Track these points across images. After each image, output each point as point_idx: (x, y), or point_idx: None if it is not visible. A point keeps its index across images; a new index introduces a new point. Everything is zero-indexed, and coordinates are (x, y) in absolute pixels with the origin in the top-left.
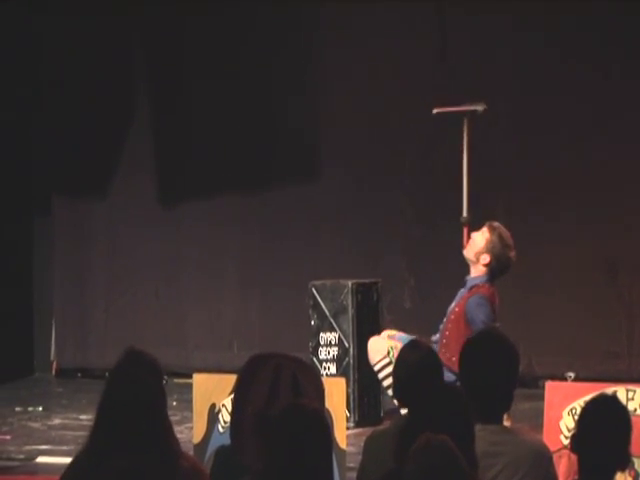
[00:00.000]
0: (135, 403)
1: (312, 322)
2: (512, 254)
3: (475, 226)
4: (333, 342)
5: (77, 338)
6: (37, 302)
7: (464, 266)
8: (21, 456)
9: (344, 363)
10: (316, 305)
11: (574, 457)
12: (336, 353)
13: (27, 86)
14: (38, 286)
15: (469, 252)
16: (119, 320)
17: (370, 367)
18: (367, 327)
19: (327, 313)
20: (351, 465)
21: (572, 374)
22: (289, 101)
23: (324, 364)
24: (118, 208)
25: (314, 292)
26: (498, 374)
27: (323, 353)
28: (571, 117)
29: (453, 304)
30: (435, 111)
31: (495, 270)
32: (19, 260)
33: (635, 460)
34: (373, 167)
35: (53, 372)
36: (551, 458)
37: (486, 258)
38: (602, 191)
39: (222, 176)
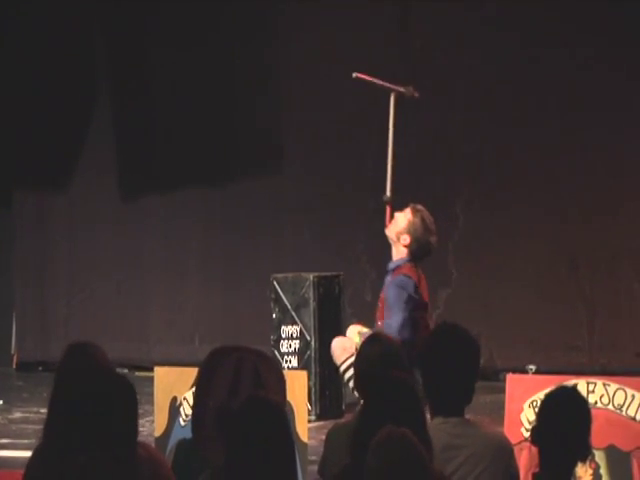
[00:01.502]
0: (80, 399)
1: (274, 315)
2: (433, 239)
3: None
4: (295, 335)
5: (38, 332)
6: None
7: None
8: None
9: (305, 356)
10: (278, 298)
11: (535, 449)
12: (298, 346)
13: None
14: None
15: (391, 231)
16: (80, 314)
17: (332, 360)
18: (329, 320)
19: (289, 306)
20: (313, 458)
21: (533, 367)
22: (251, 95)
23: (286, 357)
24: (79, 202)
25: (276, 285)
26: (459, 367)
27: (285, 346)
28: (534, 108)
29: (381, 292)
30: (354, 75)
31: (415, 252)
32: None
33: (595, 452)
34: (334, 160)
35: (14, 365)
36: (512, 451)
37: (407, 239)
38: (564, 185)
39: (183, 171)
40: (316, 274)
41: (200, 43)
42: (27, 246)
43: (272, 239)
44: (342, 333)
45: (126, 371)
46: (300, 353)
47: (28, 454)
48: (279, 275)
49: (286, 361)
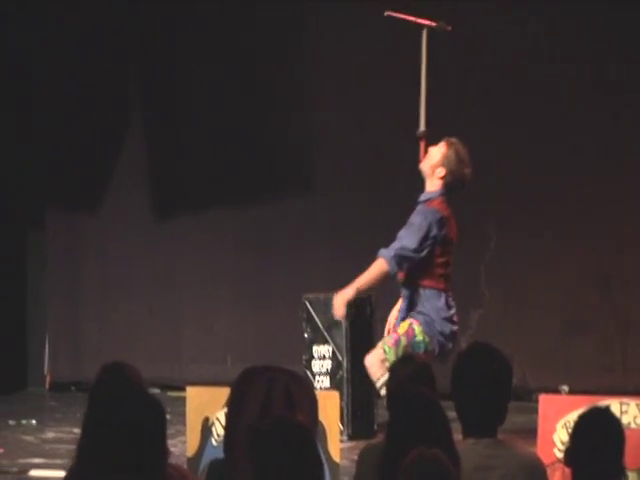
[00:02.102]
0: (113, 419)
1: (305, 335)
2: (467, 171)
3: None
4: (326, 355)
5: (71, 352)
6: (31, 316)
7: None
8: (14, 469)
9: (337, 376)
10: (310, 318)
11: (568, 470)
12: (329, 366)
13: (23, 100)
14: (32, 300)
15: (425, 165)
16: (113, 334)
17: (363, 381)
18: (360, 340)
19: (320, 326)
20: (345, 479)
21: (566, 387)
22: (283, 115)
23: (317, 377)
24: (111, 222)
25: (308, 305)
26: (491, 387)
27: (317, 366)
28: (563, 129)
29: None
30: (386, 13)
31: (450, 184)
32: (13, 274)
33: (629, 473)
34: (368, 181)
35: (47, 386)
36: (545, 471)
37: (441, 172)
38: (597, 206)
39: (216, 190)
40: None
41: (231, 61)
42: (60, 267)
43: (304, 259)
44: None
45: (158, 391)
46: (332, 373)
47: (62, 474)
48: (311, 295)
49: (318, 381)
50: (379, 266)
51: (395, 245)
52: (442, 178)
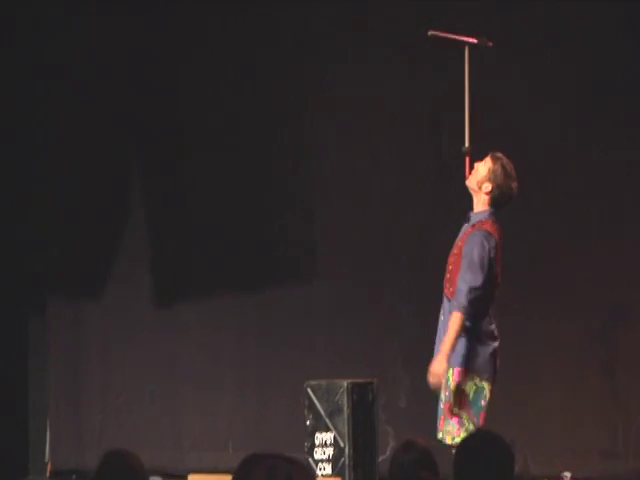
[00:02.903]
0: None
1: (307, 422)
2: (514, 185)
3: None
4: (328, 442)
5: (72, 439)
6: (32, 403)
7: None
8: None
9: (340, 463)
10: (311, 405)
11: None
12: (332, 453)
13: (20, 184)
14: (33, 387)
15: (472, 181)
16: (114, 422)
17: (365, 467)
18: (362, 427)
19: (322, 413)
20: None
21: (568, 474)
22: (283, 204)
23: (320, 464)
24: (113, 309)
25: (309, 392)
26: (493, 475)
27: (319, 453)
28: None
29: (457, 238)
30: (430, 33)
31: (498, 200)
32: (14, 361)
33: None
34: (369, 267)
35: (48, 474)
36: None
37: (488, 187)
38: (598, 288)
39: (217, 277)
40: (350, 380)
41: (232, 149)
42: (61, 354)
43: (306, 345)
44: (375, 440)
45: (160, 479)
46: (334, 460)
47: None
48: (313, 382)
49: (320, 468)
50: (456, 321)
51: (462, 289)
52: (489, 193)
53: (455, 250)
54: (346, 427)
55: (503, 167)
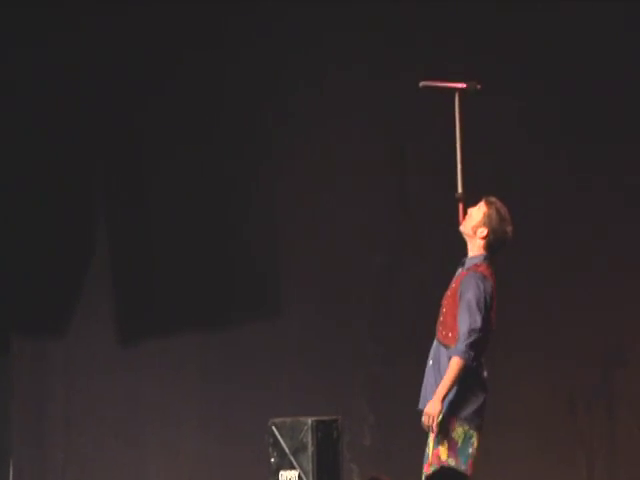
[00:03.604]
0: None
1: (272, 460)
2: (509, 228)
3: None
4: None
5: (35, 477)
6: None
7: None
8: None
9: None
10: (276, 443)
11: None
12: None
13: None
14: None
15: (466, 226)
16: (78, 459)
17: None
18: (327, 465)
19: (287, 451)
20: None
21: None
22: (248, 238)
23: None
24: (77, 347)
25: (274, 430)
26: None
27: None
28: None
29: (451, 281)
30: (422, 84)
31: (493, 244)
32: None
33: None
34: (334, 303)
35: None
36: None
37: (483, 231)
38: (562, 327)
39: (180, 315)
40: (315, 418)
41: (199, 186)
42: (24, 392)
43: (270, 383)
44: (340, 478)
45: None
46: None
47: None
48: (277, 419)
49: None
50: (456, 365)
51: (463, 332)
52: (484, 238)
53: (449, 292)
54: (310, 465)
55: (497, 211)
